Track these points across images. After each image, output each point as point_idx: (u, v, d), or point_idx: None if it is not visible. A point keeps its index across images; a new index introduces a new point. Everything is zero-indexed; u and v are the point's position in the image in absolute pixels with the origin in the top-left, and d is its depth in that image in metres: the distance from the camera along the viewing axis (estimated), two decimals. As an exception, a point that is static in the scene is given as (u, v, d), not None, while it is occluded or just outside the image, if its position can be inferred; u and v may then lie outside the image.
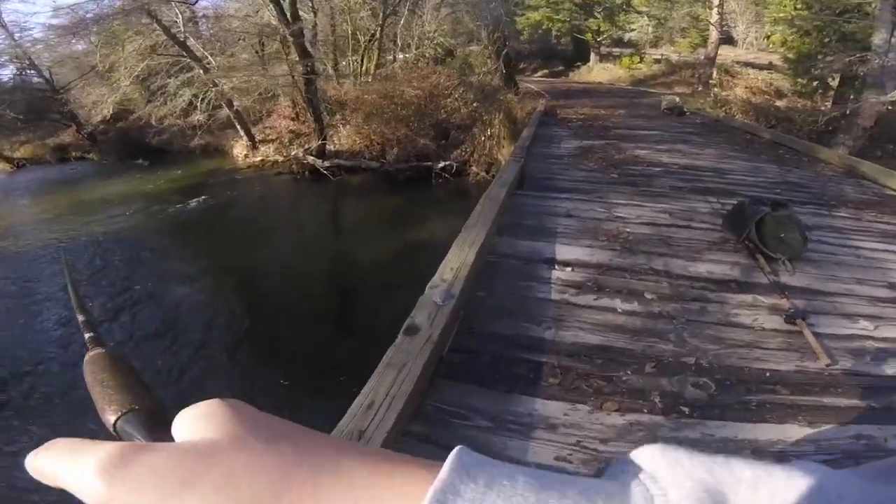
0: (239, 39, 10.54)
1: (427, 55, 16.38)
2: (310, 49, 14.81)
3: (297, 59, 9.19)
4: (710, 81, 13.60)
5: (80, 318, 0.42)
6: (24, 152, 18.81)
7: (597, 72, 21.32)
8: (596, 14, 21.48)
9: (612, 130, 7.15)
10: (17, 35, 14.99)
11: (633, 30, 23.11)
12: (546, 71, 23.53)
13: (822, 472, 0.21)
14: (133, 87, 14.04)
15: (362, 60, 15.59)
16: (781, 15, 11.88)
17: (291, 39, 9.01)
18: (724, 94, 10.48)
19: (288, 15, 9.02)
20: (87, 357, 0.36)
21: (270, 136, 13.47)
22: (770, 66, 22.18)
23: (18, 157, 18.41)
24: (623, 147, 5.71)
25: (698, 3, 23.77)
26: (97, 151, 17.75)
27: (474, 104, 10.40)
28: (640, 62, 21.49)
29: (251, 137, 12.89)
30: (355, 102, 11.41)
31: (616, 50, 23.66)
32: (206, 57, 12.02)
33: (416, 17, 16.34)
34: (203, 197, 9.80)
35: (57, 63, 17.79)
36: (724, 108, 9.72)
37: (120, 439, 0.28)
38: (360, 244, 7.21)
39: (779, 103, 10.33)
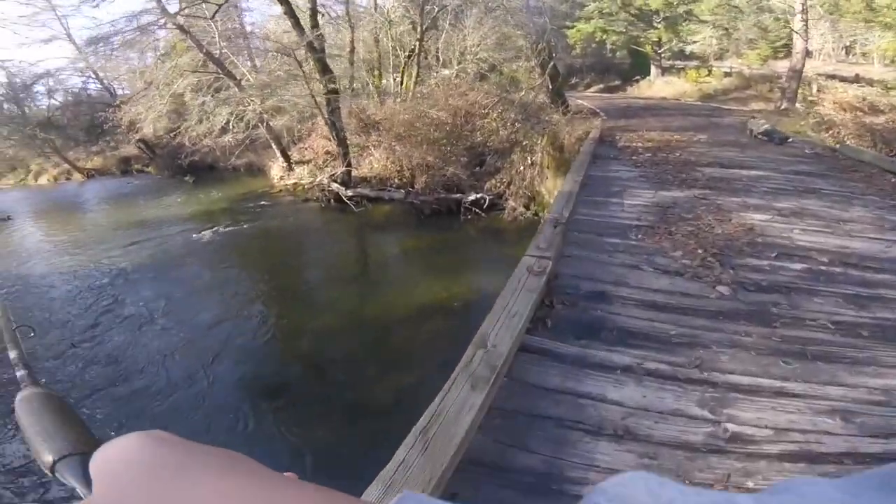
0: (269, 55, 9.72)
1: (469, 71, 15.14)
2: (345, 66, 14.08)
3: (318, 76, 8.16)
4: (809, 97, 11.21)
5: (13, 353, 0.40)
6: (94, 163, 19.81)
7: (658, 86, 19.05)
8: (656, 24, 19.25)
9: (698, 169, 5.23)
10: (83, 49, 15.37)
11: (695, 41, 20.64)
12: (601, 86, 21.48)
13: (802, 494, 0.20)
14: (175, 103, 13.85)
15: (402, 78, 14.59)
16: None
17: (309, 55, 8.00)
18: (827, 112, 8.27)
19: (308, 28, 8.03)
20: (20, 396, 0.34)
21: (306, 157, 12.72)
22: (857, 79, 18.97)
23: (89, 168, 19.38)
24: (723, 206, 3.83)
25: (766, 13, 20.98)
26: (154, 166, 18.16)
27: (515, 125, 8.91)
28: (707, 75, 18.99)
29: (287, 158, 12.15)
30: (388, 123, 10.30)
31: (679, 63, 21.22)
32: (245, 75, 11.47)
33: (457, 31, 15.15)
34: (225, 225, 9.07)
35: (122, 77, 18.53)
36: (829, 131, 7.54)
37: (58, 482, 0.28)
38: (368, 291, 5.95)
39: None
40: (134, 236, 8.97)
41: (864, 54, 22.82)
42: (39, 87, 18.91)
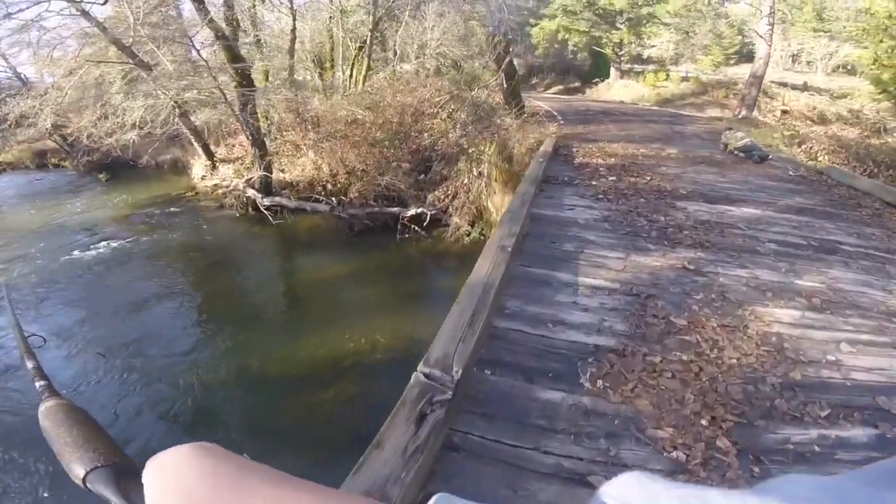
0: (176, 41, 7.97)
1: (428, 66, 13.77)
2: (287, 57, 12.37)
3: (228, 67, 6.60)
4: (778, 107, 10.61)
5: (30, 364, 0.40)
6: (9, 156, 17.20)
7: (617, 89, 18.36)
8: (618, 25, 18.52)
9: (677, 205, 3.97)
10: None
11: (653, 46, 20.16)
12: (561, 87, 20.62)
13: (804, 490, 0.19)
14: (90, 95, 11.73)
15: (352, 71, 13.02)
16: (860, 27, 8.87)
17: (217, 41, 6.43)
18: (797, 124, 7.58)
19: (222, 11, 6.45)
20: (43, 408, 0.34)
21: (234, 155, 11.02)
22: (806, 87, 19.05)
23: (1, 161, 16.87)
24: (728, 292, 2.45)
25: (721, 19, 20.80)
26: (70, 161, 15.85)
27: (467, 127, 7.68)
28: (665, 79, 18.47)
29: (210, 156, 10.40)
30: (326, 120, 8.82)
31: (637, 66, 20.69)
32: (165, 64, 9.61)
33: (417, 23, 13.73)
34: (120, 238, 7.38)
35: (46, 65, 15.94)
36: (801, 146, 6.76)
37: (91, 493, 0.27)
38: (274, 334, 4.58)
39: (874, 140, 7.31)
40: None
41: (808, 63, 23.17)
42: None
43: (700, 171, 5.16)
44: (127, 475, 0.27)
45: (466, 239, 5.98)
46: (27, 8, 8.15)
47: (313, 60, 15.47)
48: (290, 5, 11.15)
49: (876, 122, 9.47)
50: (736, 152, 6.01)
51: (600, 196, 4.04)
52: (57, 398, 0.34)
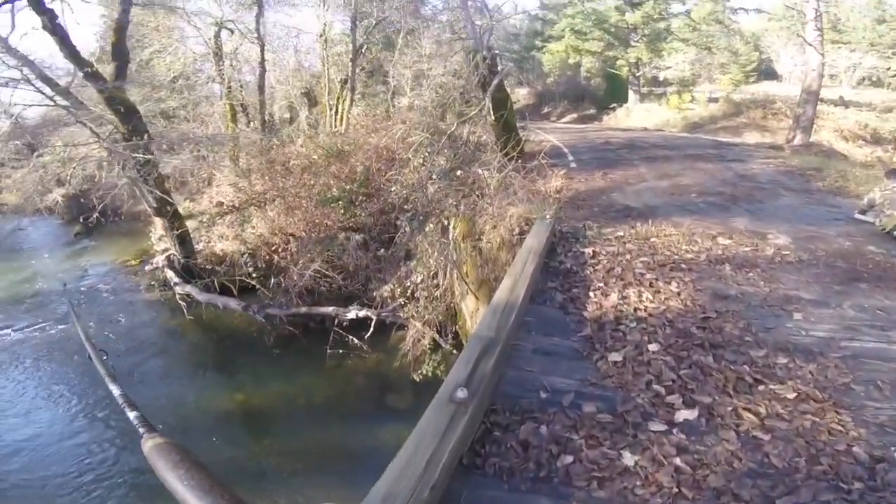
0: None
1: (427, 99, 11.78)
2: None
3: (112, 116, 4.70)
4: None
5: (129, 411, 0.43)
6: (12, 198, 16.41)
7: (638, 114, 15.92)
8: (634, 42, 16.21)
9: None
10: None
11: (668, 67, 17.74)
12: (575, 115, 18.30)
13: None
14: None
15: (337, 107, 11.16)
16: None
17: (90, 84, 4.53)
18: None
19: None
20: (148, 445, 0.33)
21: (197, 210, 9.21)
22: (844, 103, 16.20)
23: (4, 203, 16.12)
24: None
25: (735, 36, 18.30)
26: (61, 209, 14.69)
27: (446, 177, 5.47)
28: (691, 101, 15.94)
29: (160, 213, 8.58)
30: (276, 172, 6.83)
31: (657, 89, 18.25)
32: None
33: (412, 50, 11.86)
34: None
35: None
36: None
37: None
38: None
39: None
40: None
41: (832, 76, 20.25)
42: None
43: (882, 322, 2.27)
44: None
45: (429, 362, 3.69)
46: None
47: (305, 95, 13.85)
48: (257, 34, 9.40)
49: None
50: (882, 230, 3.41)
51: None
52: (156, 434, 0.31)
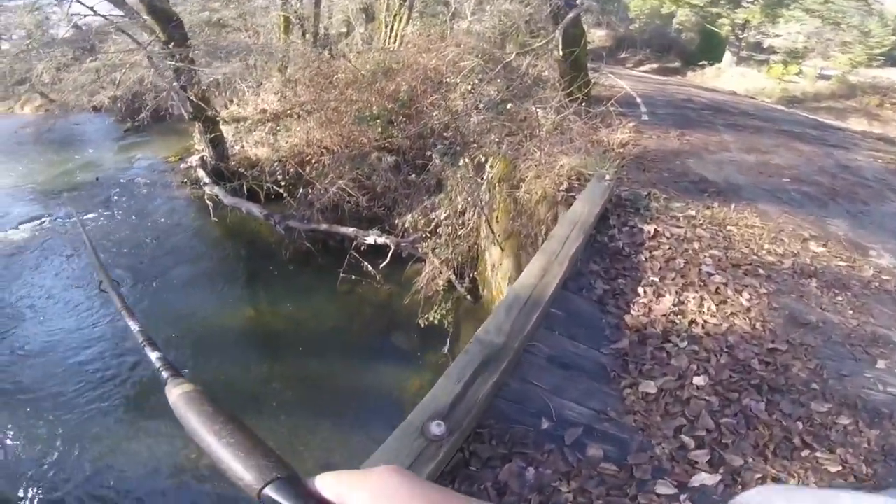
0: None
1: (487, 25, 10.57)
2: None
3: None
4: None
5: (151, 352, 0.37)
6: (68, 98, 17.24)
7: (729, 77, 13.84)
8: (746, 3, 13.69)
9: None
10: None
11: (778, 35, 14.92)
12: (655, 66, 16.14)
13: None
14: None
15: (393, 25, 10.30)
16: None
17: None
18: None
19: None
20: (175, 393, 0.29)
21: (243, 114, 9.05)
22: None
23: (55, 100, 16.90)
24: None
25: (875, 16, 14.90)
26: (113, 108, 15.27)
27: (493, 108, 4.81)
28: (798, 74, 13.59)
29: (197, 116, 8.48)
30: (320, 86, 6.39)
31: (758, 55, 15.61)
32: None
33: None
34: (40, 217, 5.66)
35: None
36: None
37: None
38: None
39: None
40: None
41: None
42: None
43: None
44: (297, 486, 0.24)
45: (444, 305, 3.36)
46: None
47: (363, 10, 12.93)
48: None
49: None
50: None
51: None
52: (183, 380, 0.29)
